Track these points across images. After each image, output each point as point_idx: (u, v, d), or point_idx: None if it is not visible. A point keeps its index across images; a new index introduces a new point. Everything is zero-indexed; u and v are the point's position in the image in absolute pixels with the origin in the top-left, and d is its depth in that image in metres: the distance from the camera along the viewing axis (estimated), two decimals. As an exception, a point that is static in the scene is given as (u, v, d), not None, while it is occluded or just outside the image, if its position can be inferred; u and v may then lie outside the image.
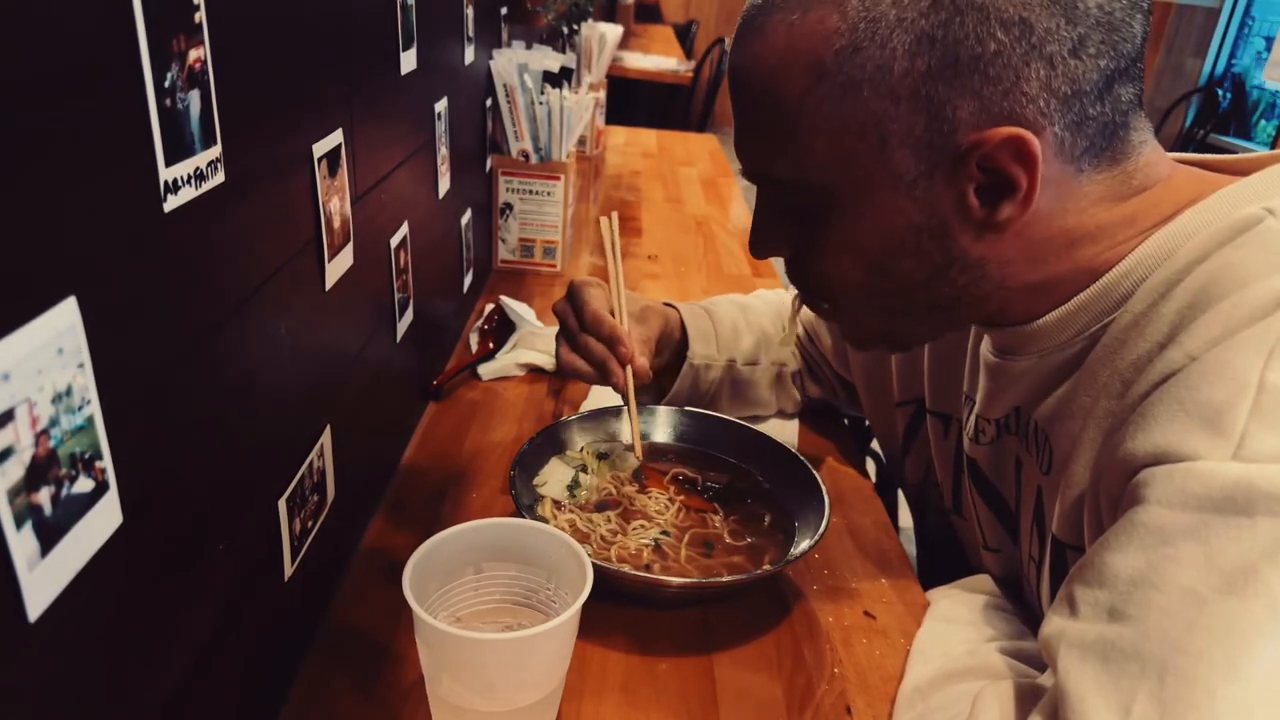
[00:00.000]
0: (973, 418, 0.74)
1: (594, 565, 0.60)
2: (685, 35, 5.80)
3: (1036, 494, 0.66)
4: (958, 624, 0.72)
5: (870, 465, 1.43)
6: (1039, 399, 0.64)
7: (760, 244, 0.68)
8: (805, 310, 1.04)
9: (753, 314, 1.03)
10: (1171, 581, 0.46)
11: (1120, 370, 0.56)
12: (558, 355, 0.85)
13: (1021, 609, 0.74)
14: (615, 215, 0.88)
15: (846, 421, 1.11)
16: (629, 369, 0.82)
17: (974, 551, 0.81)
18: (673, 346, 0.97)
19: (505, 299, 1.20)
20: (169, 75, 0.41)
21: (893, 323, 0.66)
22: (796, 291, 0.73)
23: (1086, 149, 0.56)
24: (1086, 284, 0.60)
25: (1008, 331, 0.65)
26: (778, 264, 1.00)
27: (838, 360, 1.00)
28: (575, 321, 0.84)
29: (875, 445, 1.41)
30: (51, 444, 0.34)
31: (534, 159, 1.39)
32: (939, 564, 0.94)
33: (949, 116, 0.54)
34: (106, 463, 0.38)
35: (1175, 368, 0.51)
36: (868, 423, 1.06)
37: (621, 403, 0.90)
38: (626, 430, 0.91)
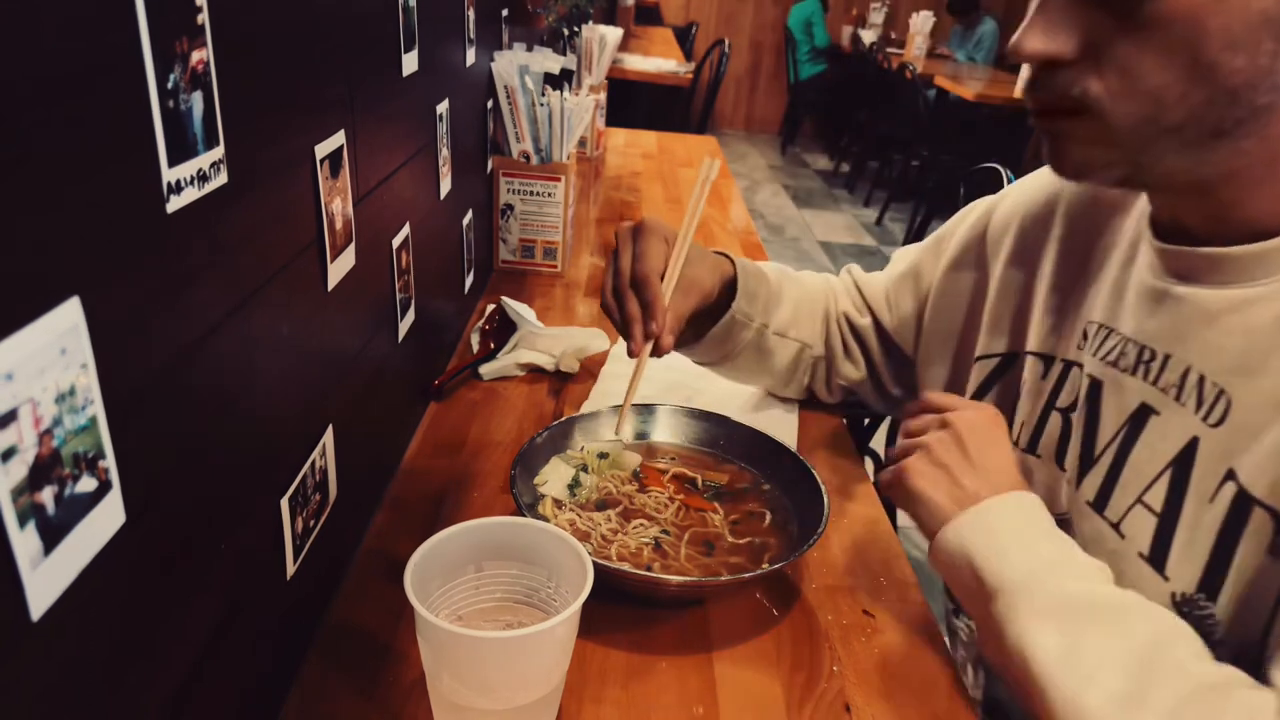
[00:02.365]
0: (1107, 341, 0.72)
1: (594, 564, 0.60)
2: (685, 37, 5.80)
3: (1187, 444, 0.64)
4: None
5: (870, 465, 1.43)
6: (1215, 345, 0.62)
7: (1046, 33, 0.59)
8: (875, 282, 1.01)
9: (796, 287, 1.02)
10: None
11: None
12: (603, 288, 0.86)
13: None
14: (717, 163, 0.85)
15: (845, 421, 1.11)
16: (649, 344, 0.82)
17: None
18: (717, 296, 0.93)
19: (506, 299, 1.21)
20: (172, 77, 0.41)
21: (1146, 151, 0.60)
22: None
23: None
24: None
25: (1196, 253, 0.62)
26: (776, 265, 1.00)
27: (912, 320, 0.98)
28: (628, 266, 0.83)
29: (874, 445, 1.41)
30: (55, 444, 0.34)
31: (535, 160, 1.40)
32: None
33: None
34: (109, 462, 0.38)
35: None
36: (894, 393, 1.04)
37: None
38: (619, 422, 0.89)
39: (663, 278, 0.83)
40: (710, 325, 0.95)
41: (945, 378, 0.94)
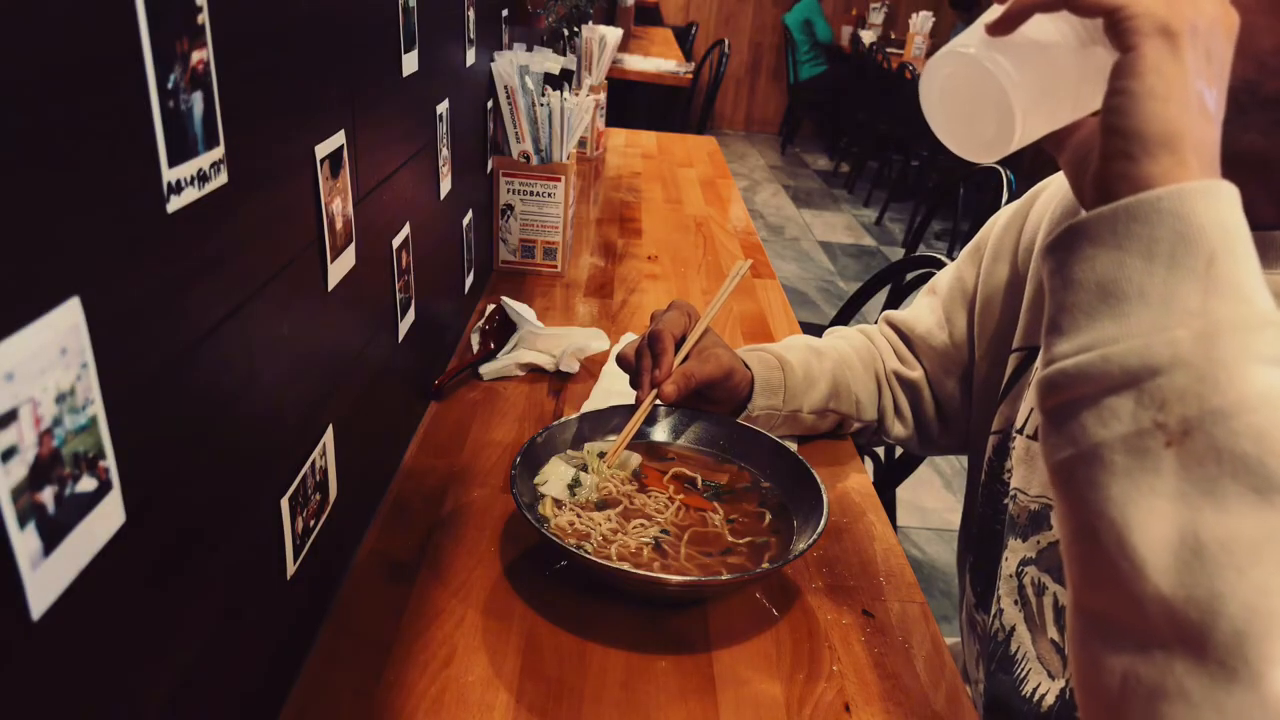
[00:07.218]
0: None
1: (594, 564, 0.60)
2: (685, 37, 5.80)
3: None
4: None
5: (869, 465, 1.43)
6: None
7: None
8: (921, 314, 1.01)
9: (832, 360, 1.00)
10: None
11: None
12: (625, 349, 0.95)
13: None
14: (749, 263, 1.00)
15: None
16: (654, 391, 0.90)
17: None
18: (736, 399, 0.96)
19: (506, 299, 1.21)
20: (172, 77, 0.41)
21: (1232, 121, 0.52)
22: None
23: None
24: None
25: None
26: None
27: (965, 329, 0.97)
28: (649, 327, 0.93)
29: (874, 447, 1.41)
30: (55, 443, 0.34)
31: (535, 160, 1.40)
32: (980, 531, 0.91)
33: None
34: (109, 462, 0.38)
35: None
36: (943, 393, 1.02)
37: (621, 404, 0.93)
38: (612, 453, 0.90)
39: (681, 345, 0.92)
40: (738, 413, 0.97)
41: (984, 373, 0.93)
